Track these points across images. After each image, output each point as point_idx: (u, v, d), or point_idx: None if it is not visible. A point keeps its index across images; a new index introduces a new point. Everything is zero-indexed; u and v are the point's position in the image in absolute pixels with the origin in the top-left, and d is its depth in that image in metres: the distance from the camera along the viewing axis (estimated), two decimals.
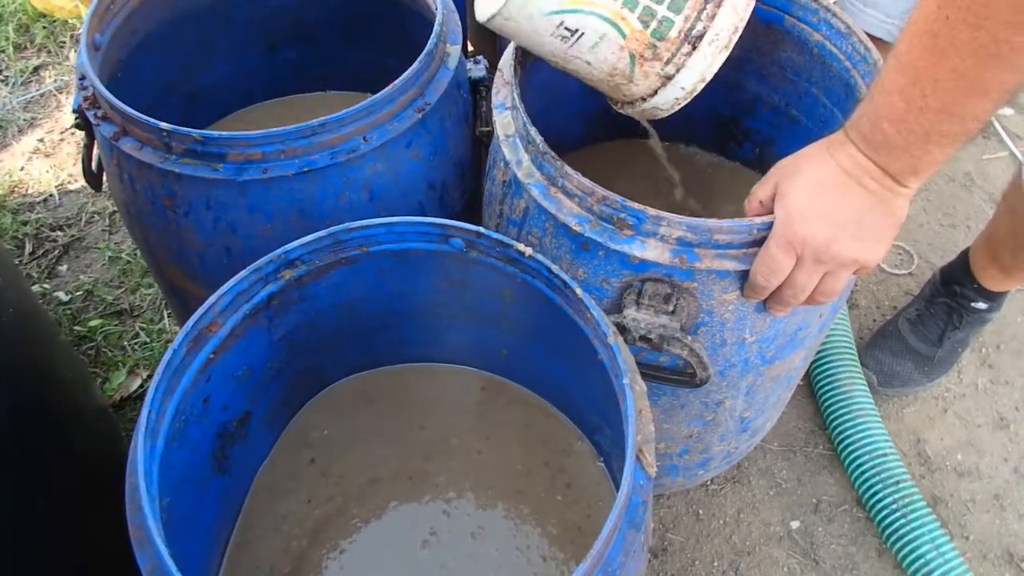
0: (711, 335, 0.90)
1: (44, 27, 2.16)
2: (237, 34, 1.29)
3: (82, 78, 0.98)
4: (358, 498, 1.01)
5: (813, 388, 1.49)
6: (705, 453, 1.15)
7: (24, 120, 1.95)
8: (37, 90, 2.02)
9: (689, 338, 0.87)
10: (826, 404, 1.45)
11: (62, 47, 2.13)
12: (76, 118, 1.02)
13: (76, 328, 1.57)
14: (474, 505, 1.00)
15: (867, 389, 1.45)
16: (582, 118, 1.24)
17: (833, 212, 0.76)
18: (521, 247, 0.79)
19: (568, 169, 0.83)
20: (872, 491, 1.36)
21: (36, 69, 2.08)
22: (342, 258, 0.84)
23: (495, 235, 0.80)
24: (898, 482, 1.35)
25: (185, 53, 1.23)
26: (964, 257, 1.48)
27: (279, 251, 0.79)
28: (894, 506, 1.33)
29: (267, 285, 0.81)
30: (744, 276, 0.84)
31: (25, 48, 2.13)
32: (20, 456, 0.96)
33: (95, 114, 0.95)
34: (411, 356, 1.07)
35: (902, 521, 1.31)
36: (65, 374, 1.18)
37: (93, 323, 1.57)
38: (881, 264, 1.69)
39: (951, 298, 1.51)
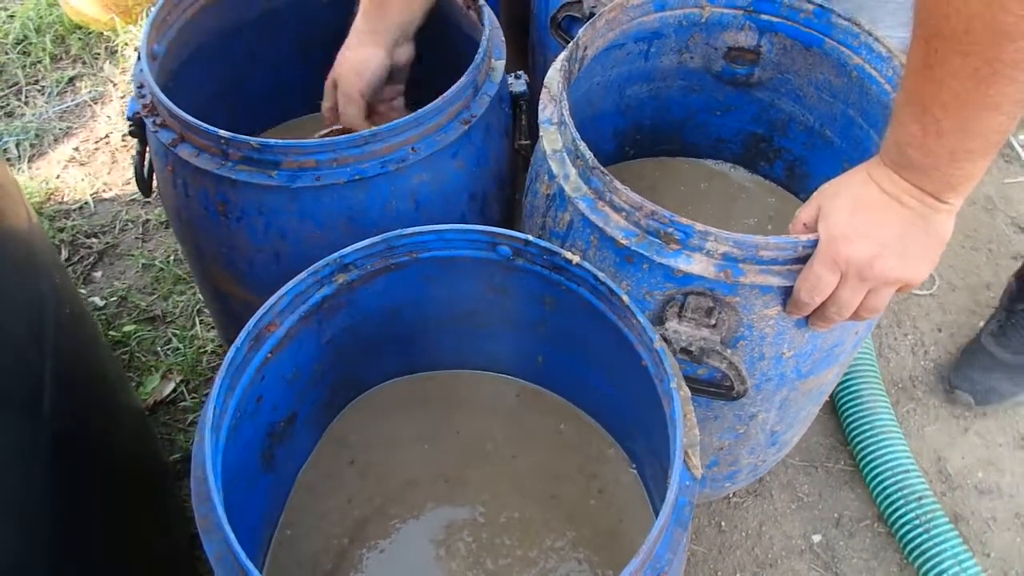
0: (750, 349, 0.92)
1: (80, 39, 2.21)
2: (279, 47, 1.33)
3: (140, 86, 1.01)
4: (396, 499, 1.03)
5: (835, 404, 1.51)
6: (734, 466, 1.17)
7: (60, 129, 1.99)
8: (72, 100, 2.06)
9: (729, 351, 0.90)
10: (848, 420, 1.47)
11: (96, 58, 2.17)
12: (130, 125, 1.06)
13: (111, 333, 1.60)
14: (509, 508, 1.03)
15: (889, 406, 1.47)
16: (615, 135, 1.27)
17: (875, 231, 0.79)
18: (568, 255, 0.82)
19: (617, 184, 0.86)
20: (894, 506, 1.37)
21: (71, 80, 2.12)
22: (392, 264, 0.87)
23: (543, 243, 0.83)
24: (920, 498, 1.36)
25: (230, 64, 1.27)
26: None
27: (336, 255, 0.82)
28: (916, 521, 1.34)
29: (322, 288, 0.84)
30: (786, 292, 0.86)
31: (61, 59, 2.18)
32: (64, 452, 0.99)
33: (153, 121, 0.98)
34: (448, 363, 1.10)
35: (924, 536, 1.33)
36: (110, 374, 1.21)
37: (127, 328, 1.60)
38: None
39: None
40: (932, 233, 0.79)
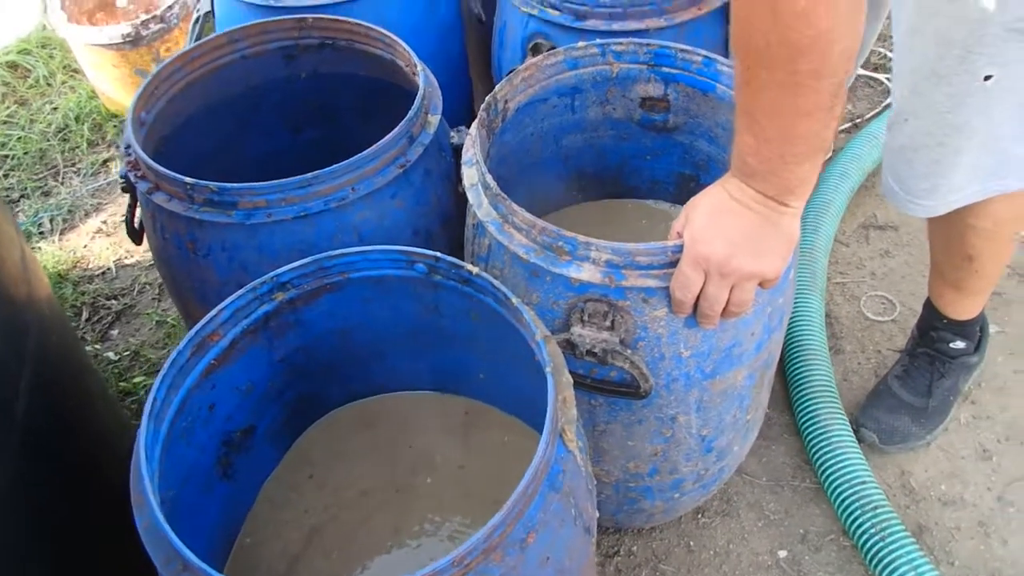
0: (649, 349, 1.02)
1: (115, 126, 2.44)
2: (266, 118, 1.49)
3: (127, 147, 1.18)
4: (349, 508, 1.14)
5: (797, 426, 1.58)
6: (675, 474, 1.25)
7: (91, 205, 2.20)
8: (105, 179, 2.28)
9: (629, 351, 1.00)
10: (809, 439, 1.54)
11: None
12: (122, 183, 1.22)
13: (121, 384, 1.75)
14: (455, 512, 1.13)
15: (847, 424, 1.53)
16: (560, 180, 1.40)
17: (728, 232, 0.90)
18: (469, 267, 0.94)
19: (515, 207, 0.98)
20: (854, 519, 1.43)
21: (105, 162, 2.35)
22: (327, 283, 1.00)
23: (450, 259, 0.95)
24: (876, 508, 1.41)
25: (220, 133, 1.44)
26: (928, 301, 1.58)
27: (271, 274, 0.96)
28: (873, 531, 1.39)
29: (262, 304, 0.97)
30: (668, 294, 0.97)
31: (97, 144, 2.41)
32: (61, 499, 1.11)
33: (135, 175, 1.14)
34: (402, 384, 1.21)
35: (881, 545, 1.38)
36: (111, 425, 1.35)
37: (137, 380, 1.76)
38: (865, 312, 1.79)
39: (930, 346, 1.59)
40: (780, 233, 0.90)
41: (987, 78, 1.09)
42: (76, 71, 2.63)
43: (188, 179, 1.06)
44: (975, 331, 1.58)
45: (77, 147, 2.38)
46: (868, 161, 1.99)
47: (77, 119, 2.45)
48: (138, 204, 1.25)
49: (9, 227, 1.16)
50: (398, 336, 1.13)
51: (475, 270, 0.94)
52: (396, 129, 1.12)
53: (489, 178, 1.01)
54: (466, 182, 1.08)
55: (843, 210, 1.93)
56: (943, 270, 1.49)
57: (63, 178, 2.28)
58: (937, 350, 1.57)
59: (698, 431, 1.17)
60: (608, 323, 0.99)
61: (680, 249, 0.93)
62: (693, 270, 0.91)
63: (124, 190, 1.23)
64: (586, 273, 0.96)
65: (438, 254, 0.96)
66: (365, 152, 1.09)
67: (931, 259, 1.51)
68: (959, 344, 1.56)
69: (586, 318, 0.99)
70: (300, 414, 1.17)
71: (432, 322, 1.10)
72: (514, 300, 0.90)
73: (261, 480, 1.13)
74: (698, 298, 0.94)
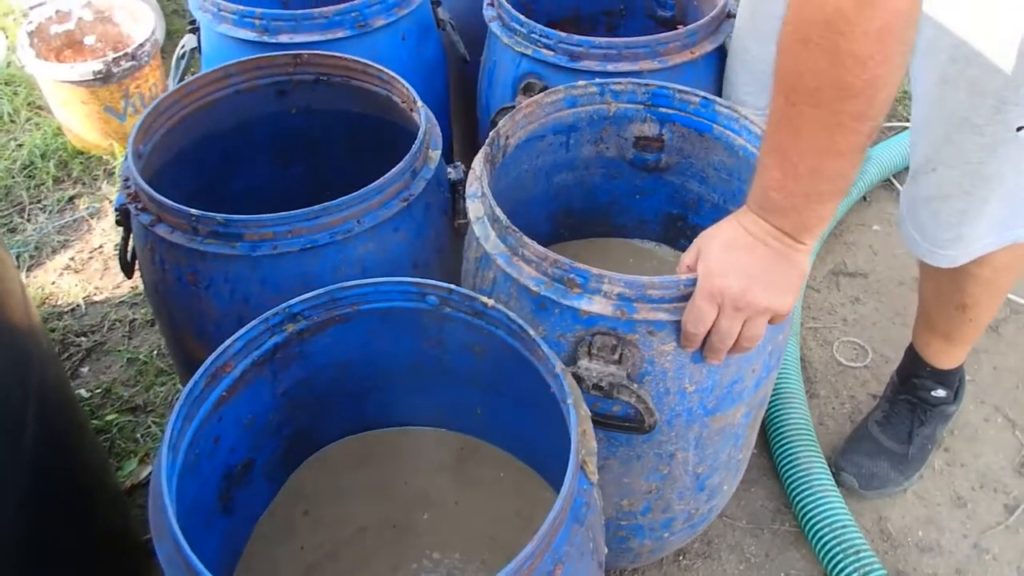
0: (655, 384, 1.04)
1: (81, 163, 2.41)
2: (255, 152, 1.49)
3: (126, 179, 1.17)
4: (346, 545, 1.12)
5: (776, 468, 1.60)
6: (667, 512, 1.26)
7: (58, 242, 2.15)
8: (71, 216, 2.24)
9: (635, 385, 1.01)
10: (789, 482, 1.56)
11: (96, 179, 2.36)
12: (117, 216, 1.21)
13: (94, 422, 1.70)
14: (451, 549, 1.12)
15: (826, 467, 1.56)
16: (548, 218, 1.43)
17: (744, 266, 0.92)
18: (484, 299, 0.95)
19: (526, 239, 1.00)
20: (836, 563, 1.44)
21: (71, 198, 2.30)
22: (336, 315, 1.00)
23: (463, 291, 0.96)
24: (858, 552, 1.43)
25: (211, 166, 1.43)
26: (911, 348, 1.62)
27: (284, 305, 0.95)
28: (856, 575, 1.41)
29: (273, 335, 0.96)
30: (678, 328, 0.99)
31: (63, 180, 2.37)
32: (46, 528, 1.08)
33: (136, 207, 1.13)
34: (398, 418, 1.21)
35: None
36: (99, 459, 1.32)
37: (109, 417, 1.71)
38: (838, 357, 1.84)
39: (911, 393, 1.62)
40: (793, 269, 0.93)
41: (1019, 129, 1.12)
42: (41, 107, 2.59)
43: (194, 211, 1.06)
44: (955, 380, 1.62)
45: (43, 184, 2.34)
46: (839, 210, 2.06)
47: (43, 156, 2.41)
48: (131, 237, 1.24)
49: (8, 258, 1.14)
50: (397, 369, 1.13)
51: (490, 302, 0.95)
52: (401, 163, 1.13)
53: (499, 211, 1.02)
54: (472, 215, 1.09)
55: (815, 256, 1.99)
56: (934, 320, 1.53)
57: (29, 215, 2.23)
58: (919, 398, 1.61)
59: (694, 468, 1.18)
60: (616, 357, 1.00)
61: (693, 283, 0.95)
62: (707, 303, 0.93)
63: (118, 223, 1.22)
64: (597, 306, 0.97)
65: (451, 286, 0.97)
66: (372, 185, 1.09)
67: (920, 309, 1.55)
68: (940, 393, 1.61)
69: (594, 351, 1.00)
70: (296, 449, 1.16)
71: (434, 355, 1.10)
72: (531, 333, 0.91)
73: (258, 515, 1.11)
74: (709, 332, 0.96)
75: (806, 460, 1.56)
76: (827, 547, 1.46)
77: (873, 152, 2.14)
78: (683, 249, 1.42)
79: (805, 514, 1.51)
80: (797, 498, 1.54)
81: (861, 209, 2.20)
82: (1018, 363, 1.83)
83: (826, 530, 1.47)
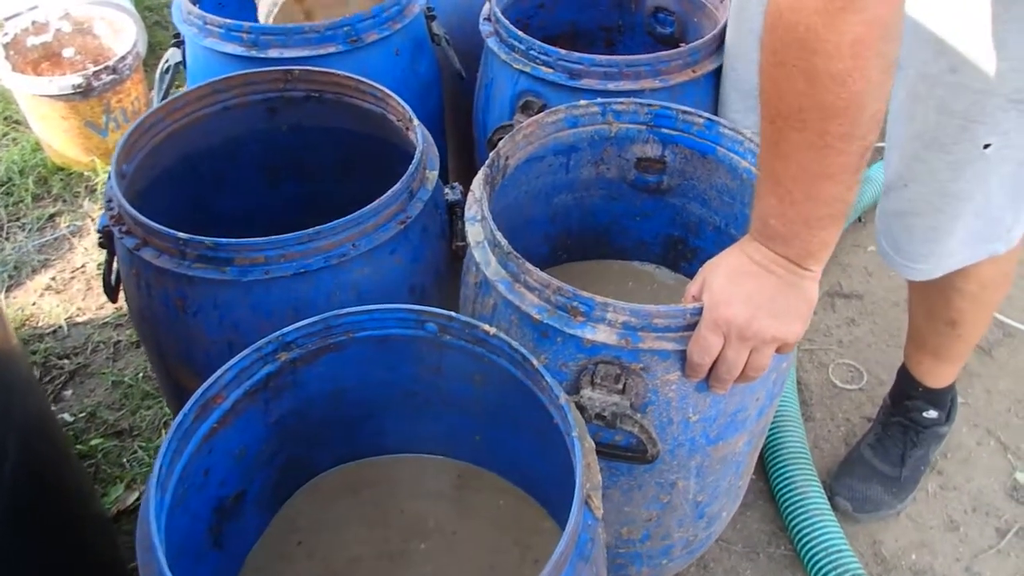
0: (658, 414, 1.01)
1: (61, 179, 2.36)
2: (244, 171, 1.46)
3: (109, 200, 1.13)
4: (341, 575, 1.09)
5: (772, 492, 1.58)
6: (666, 540, 1.23)
7: (38, 261, 2.10)
8: (52, 235, 2.19)
9: (639, 415, 0.99)
10: (785, 506, 1.54)
11: (76, 196, 2.32)
12: (100, 238, 1.17)
13: (78, 447, 1.66)
14: None
15: (822, 491, 1.54)
16: (547, 240, 1.40)
17: (750, 296, 0.90)
18: (486, 327, 0.92)
19: (529, 266, 0.97)
20: None
21: (52, 216, 2.26)
22: (331, 343, 0.97)
23: (464, 318, 0.93)
24: None
25: (197, 186, 1.40)
26: (903, 368, 1.61)
27: (278, 333, 0.92)
28: None
29: (265, 365, 0.93)
30: (683, 358, 0.96)
31: (43, 198, 2.32)
32: (32, 557, 1.04)
33: (120, 230, 1.09)
34: (393, 446, 1.17)
35: None
36: (83, 486, 1.27)
37: (94, 442, 1.67)
38: (834, 379, 1.82)
39: (904, 415, 1.61)
40: (800, 296, 0.91)
41: (986, 146, 1.12)
42: (18, 122, 2.54)
43: (182, 234, 1.02)
44: (947, 401, 1.61)
45: (21, 201, 2.29)
46: None
47: (21, 172, 2.36)
48: (115, 259, 1.20)
49: None
50: (393, 397, 1.10)
51: (492, 330, 0.92)
52: (397, 185, 1.10)
53: (500, 236, 1.00)
54: (471, 239, 1.06)
55: None
56: (924, 338, 1.52)
57: (7, 233, 2.18)
58: (911, 419, 1.60)
59: (694, 497, 1.16)
60: (620, 386, 0.97)
61: (699, 312, 0.92)
62: (713, 333, 0.91)
63: (101, 245, 1.18)
64: (601, 335, 0.95)
65: (452, 313, 0.94)
66: (368, 207, 1.06)
67: (910, 327, 1.54)
68: (932, 413, 1.59)
69: (597, 381, 0.98)
70: (288, 478, 1.12)
71: (432, 383, 1.07)
72: (535, 362, 0.88)
73: (249, 548, 1.07)
74: (714, 362, 0.94)
75: (802, 484, 1.54)
76: (822, 571, 1.44)
77: (867, 174, 2.13)
78: (683, 272, 1.42)
79: (801, 538, 1.49)
80: (793, 522, 1.52)
81: (856, 230, 2.19)
82: (1011, 386, 1.83)
83: (821, 554, 1.45)
